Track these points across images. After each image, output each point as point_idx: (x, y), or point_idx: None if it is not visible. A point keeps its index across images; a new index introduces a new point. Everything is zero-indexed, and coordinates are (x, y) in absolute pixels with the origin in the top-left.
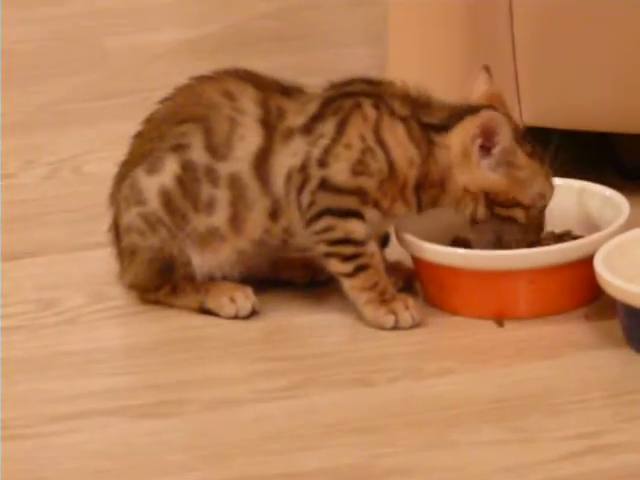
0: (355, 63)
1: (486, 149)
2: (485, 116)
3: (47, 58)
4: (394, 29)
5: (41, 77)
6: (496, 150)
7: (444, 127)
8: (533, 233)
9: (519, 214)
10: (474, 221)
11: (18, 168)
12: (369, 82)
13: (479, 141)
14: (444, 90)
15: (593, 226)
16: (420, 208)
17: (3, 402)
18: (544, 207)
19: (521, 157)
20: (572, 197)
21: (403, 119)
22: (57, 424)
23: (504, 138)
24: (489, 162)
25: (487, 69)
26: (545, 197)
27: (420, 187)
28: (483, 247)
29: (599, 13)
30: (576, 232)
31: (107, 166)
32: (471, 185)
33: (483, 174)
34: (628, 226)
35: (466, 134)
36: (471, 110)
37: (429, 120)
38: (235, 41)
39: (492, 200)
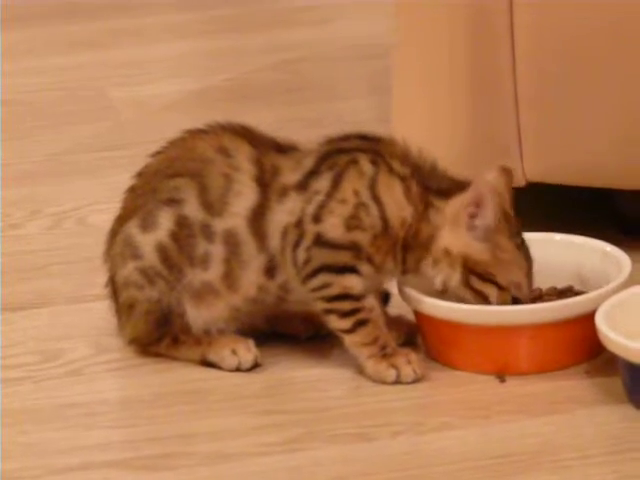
0: (359, 115)
1: (474, 219)
2: (479, 186)
3: (53, 108)
4: (399, 81)
5: (47, 127)
6: (479, 223)
7: (445, 193)
8: None
9: (492, 292)
10: (444, 288)
11: (23, 218)
12: (365, 138)
13: (470, 209)
14: (448, 143)
15: (594, 282)
16: (404, 269)
17: (6, 453)
18: (517, 300)
19: (506, 241)
20: (573, 253)
21: (402, 178)
22: (60, 476)
23: (487, 216)
24: (475, 232)
25: (504, 170)
26: (521, 289)
27: (407, 246)
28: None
29: (602, 70)
30: (577, 288)
31: (112, 218)
32: (453, 247)
33: (468, 240)
34: (629, 282)
35: (461, 201)
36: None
37: (432, 184)
38: (240, 93)
39: (470, 269)
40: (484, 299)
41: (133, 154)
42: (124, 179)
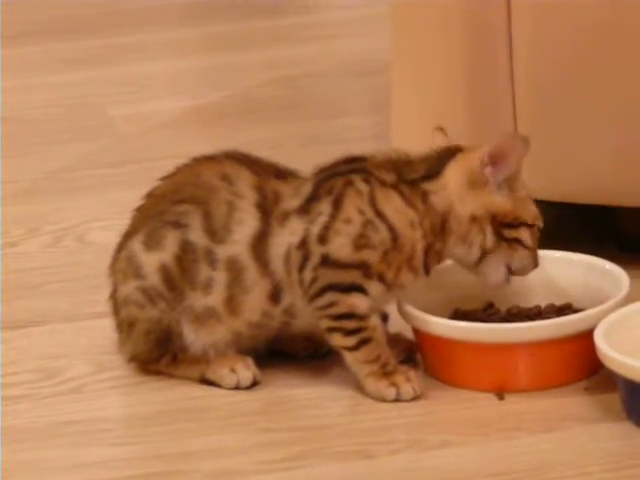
0: (359, 131)
1: (494, 173)
2: (497, 142)
3: (51, 125)
4: (398, 98)
5: (45, 144)
6: (502, 174)
7: (432, 174)
8: (535, 256)
9: (525, 234)
10: (484, 252)
11: (21, 236)
12: (354, 160)
13: (489, 166)
14: None
15: (593, 299)
16: (427, 270)
17: (6, 471)
18: (540, 229)
19: (517, 181)
20: (572, 270)
21: (393, 186)
22: None
23: (511, 165)
24: (497, 185)
25: (441, 130)
26: (539, 217)
27: (427, 247)
28: (497, 280)
29: (600, 87)
30: (576, 305)
31: (110, 235)
32: (479, 211)
33: (491, 198)
34: (628, 300)
35: (468, 165)
36: (453, 150)
37: (416, 175)
38: (239, 109)
39: (499, 222)
40: (519, 244)
41: (133, 171)
42: (124, 196)
